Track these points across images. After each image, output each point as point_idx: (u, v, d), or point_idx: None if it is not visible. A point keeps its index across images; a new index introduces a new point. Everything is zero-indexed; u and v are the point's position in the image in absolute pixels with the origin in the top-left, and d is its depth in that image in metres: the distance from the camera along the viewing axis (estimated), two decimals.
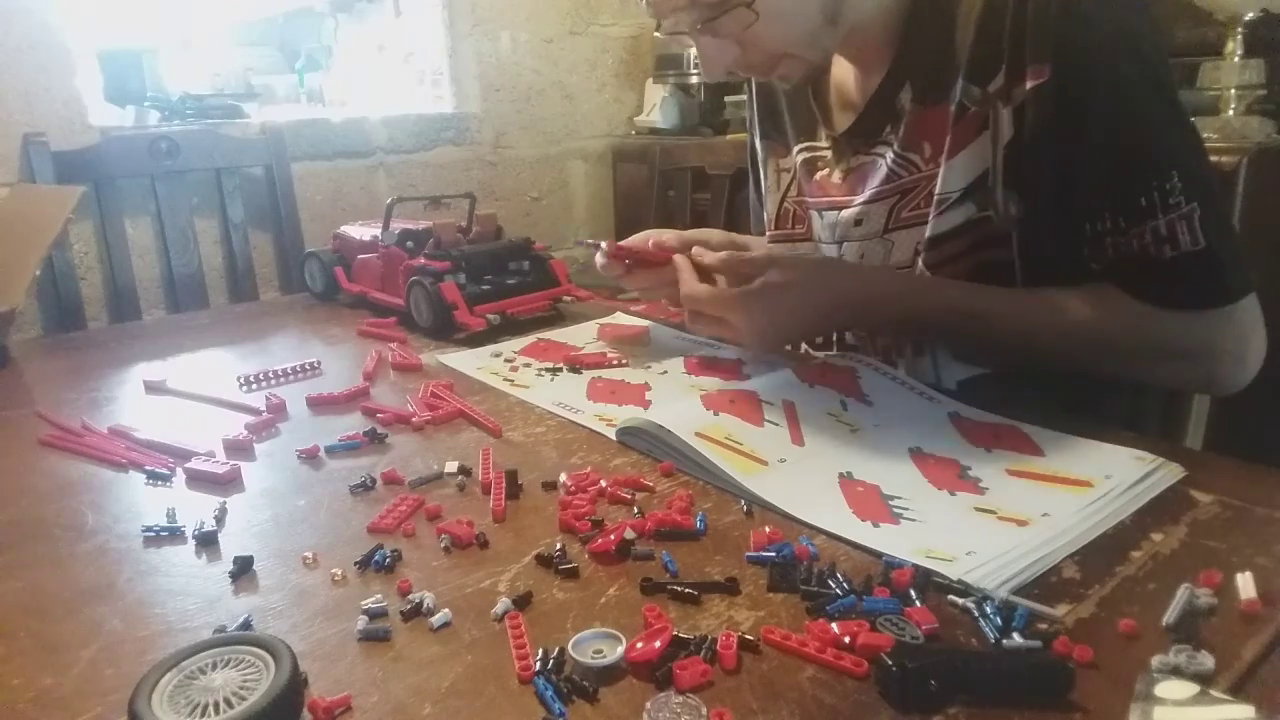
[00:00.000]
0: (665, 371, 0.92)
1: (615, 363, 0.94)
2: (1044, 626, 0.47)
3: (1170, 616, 0.47)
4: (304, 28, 2.96)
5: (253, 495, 0.68)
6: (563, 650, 0.46)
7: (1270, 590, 0.49)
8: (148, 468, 0.72)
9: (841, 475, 0.66)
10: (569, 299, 1.15)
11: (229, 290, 2.03)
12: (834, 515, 0.60)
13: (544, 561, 0.56)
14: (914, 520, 0.59)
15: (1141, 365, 0.80)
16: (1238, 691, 0.42)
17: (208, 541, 0.60)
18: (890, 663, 0.42)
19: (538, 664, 0.45)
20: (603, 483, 0.65)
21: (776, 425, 0.72)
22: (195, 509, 0.64)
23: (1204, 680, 0.42)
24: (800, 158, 1.01)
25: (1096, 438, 0.70)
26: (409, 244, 1.16)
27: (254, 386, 0.92)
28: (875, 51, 0.88)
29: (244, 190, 2.00)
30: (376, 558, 0.56)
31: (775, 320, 0.82)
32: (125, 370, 1.02)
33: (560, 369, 0.94)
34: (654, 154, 2.28)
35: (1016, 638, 0.46)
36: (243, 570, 0.56)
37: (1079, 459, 0.67)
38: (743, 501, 0.63)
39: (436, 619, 0.50)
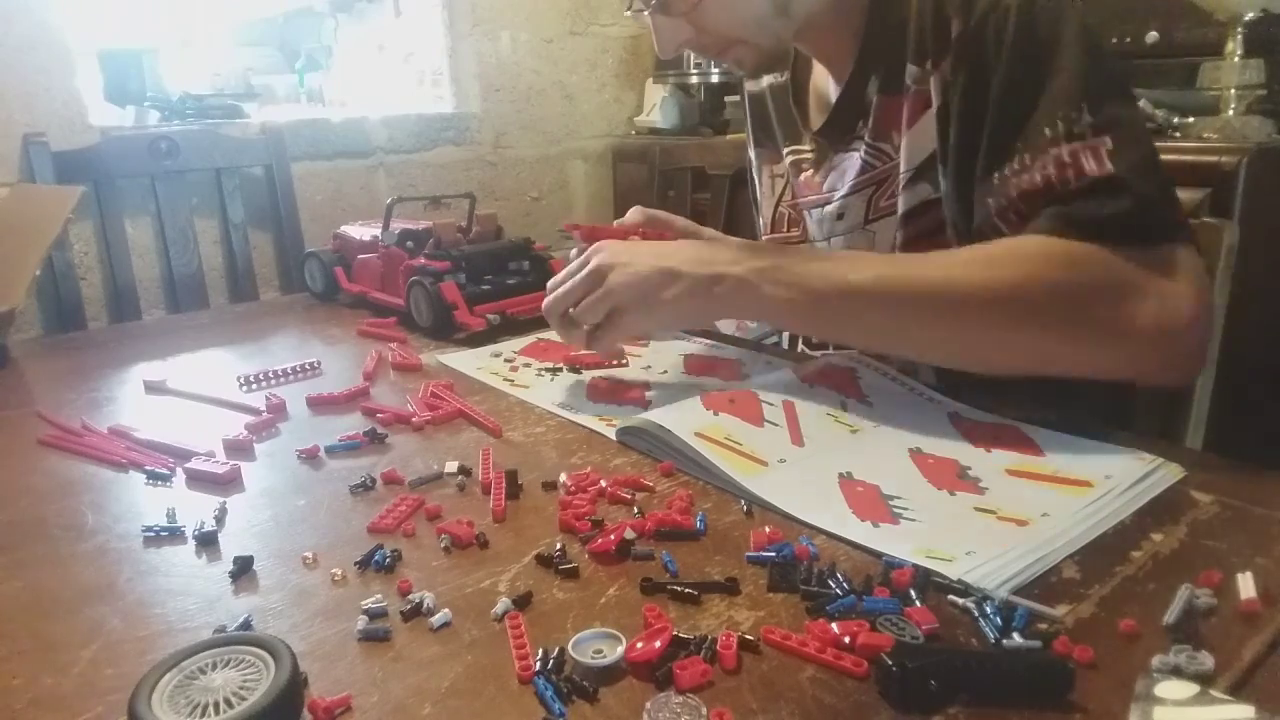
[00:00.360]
0: (665, 371, 0.92)
1: (615, 363, 0.94)
2: (1044, 626, 0.47)
3: (1170, 616, 0.47)
4: (304, 28, 2.96)
5: (253, 495, 0.68)
6: (563, 650, 0.46)
7: (1270, 590, 0.49)
8: (148, 468, 0.72)
9: (841, 475, 0.66)
10: None
11: (229, 290, 2.03)
12: (834, 515, 0.60)
13: (544, 561, 0.56)
14: (914, 520, 0.59)
15: (1065, 319, 0.70)
16: (1238, 691, 0.42)
17: (208, 541, 0.60)
18: (890, 663, 0.42)
19: (538, 664, 0.45)
20: (603, 483, 0.65)
21: (776, 425, 0.72)
22: (195, 509, 0.64)
23: (1204, 680, 0.42)
24: (788, 161, 1.03)
25: (1096, 438, 0.70)
26: (409, 244, 1.16)
27: (254, 386, 0.92)
28: (841, 49, 0.89)
29: (244, 190, 2.00)
30: (376, 558, 0.56)
31: (636, 260, 0.78)
32: (125, 370, 1.02)
33: (560, 369, 0.94)
34: (654, 154, 2.28)
35: (1016, 638, 0.46)
36: (243, 570, 0.56)
37: (1079, 459, 0.67)
38: (743, 501, 0.63)
39: (436, 619, 0.50)
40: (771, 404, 0.75)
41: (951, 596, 0.50)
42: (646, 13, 0.84)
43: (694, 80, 2.52)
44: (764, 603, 0.51)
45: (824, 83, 0.97)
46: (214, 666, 0.40)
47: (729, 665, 0.45)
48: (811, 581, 0.52)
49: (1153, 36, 1.68)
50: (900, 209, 0.86)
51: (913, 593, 0.50)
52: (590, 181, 2.68)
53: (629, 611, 0.50)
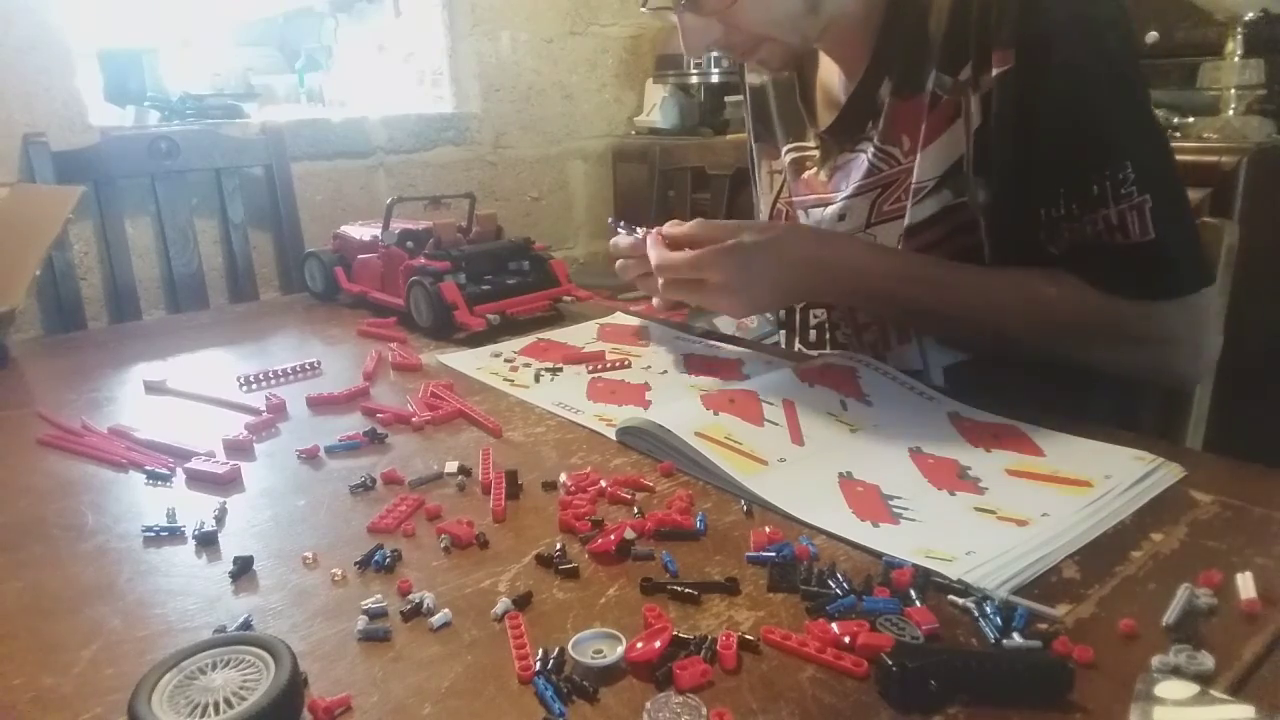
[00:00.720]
0: (665, 371, 0.92)
1: (615, 363, 0.94)
2: (1044, 626, 0.47)
3: (1170, 616, 0.47)
4: (304, 28, 2.96)
5: (253, 495, 0.68)
6: (563, 650, 0.46)
7: (1270, 590, 0.49)
8: (148, 468, 0.72)
9: (841, 475, 0.66)
10: (569, 299, 1.15)
11: (229, 290, 2.03)
12: (834, 515, 0.60)
13: (544, 561, 0.56)
14: (914, 520, 0.59)
15: (1099, 348, 0.81)
16: (1238, 691, 0.42)
17: (208, 541, 0.60)
18: (890, 663, 0.42)
19: (538, 664, 0.45)
20: (603, 483, 0.65)
21: (776, 425, 0.72)
22: (195, 509, 0.64)
23: (1204, 680, 0.42)
24: (789, 158, 1.02)
25: (1096, 438, 0.70)
26: (409, 244, 1.16)
27: (254, 386, 0.92)
28: (857, 48, 0.89)
29: (244, 190, 2.00)
30: (376, 558, 0.56)
31: (748, 277, 0.82)
32: (125, 370, 1.02)
33: (560, 369, 0.94)
34: (654, 154, 2.28)
35: (1016, 638, 0.46)
36: (243, 570, 0.56)
37: (1079, 459, 0.67)
38: (743, 501, 0.63)
39: (436, 619, 0.50)
40: (771, 404, 0.75)
41: (951, 596, 0.50)
42: (674, 12, 0.84)
43: (694, 80, 2.52)
44: (764, 603, 0.51)
45: (832, 80, 0.97)
46: (214, 666, 0.40)
47: (729, 665, 0.45)
48: (811, 581, 0.52)
49: (1153, 36, 1.68)
50: (914, 215, 0.85)
51: (913, 593, 0.50)
52: (590, 181, 2.68)
53: (629, 611, 0.50)
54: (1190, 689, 0.40)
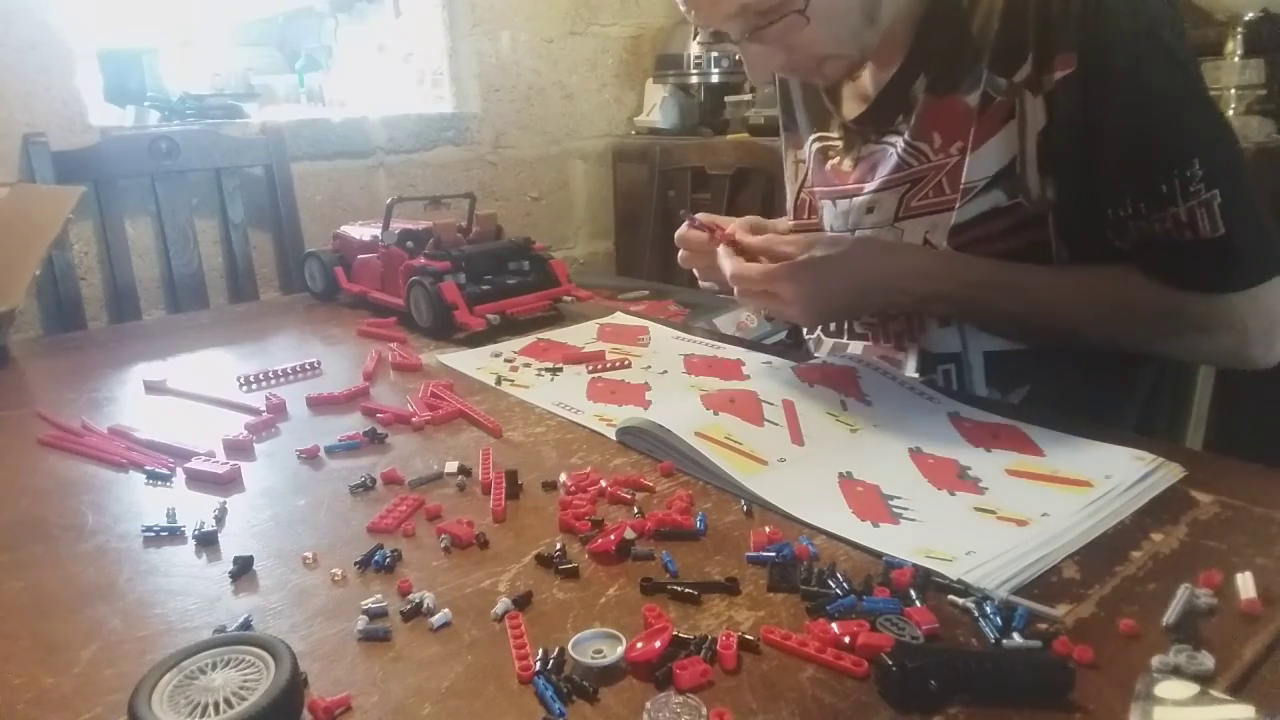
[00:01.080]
0: (665, 371, 0.92)
1: (615, 363, 0.94)
2: (1044, 626, 0.47)
3: (1170, 616, 0.47)
4: (304, 28, 2.96)
5: (253, 495, 0.68)
6: (563, 650, 0.46)
7: (1270, 590, 0.49)
8: (148, 468, 0.72)
9: (841, 475, 0.66)
10: (569, 299, 1.15)
11: (229, 290, 2.03)
12: (834, 515, 0.60)
13: (544, 561, 0.56)
14: (914, 520, 0.59)
15: (1168, 338, 0.81)
16: (1238, 691, 0.42)
17: (208, 541, 0.60)
18: (890, 663, 0.42)
19: (538, 664, 0.45)
20: (603, 483, 0.65)
21: (776, 425, 0.72)
22: (195, 509, 0.64)
23: (1204, 680, 0.42)
24: (814, 147, 1.02)
25: (1096, 437, 0.70)
26: (409, 244, 1.16)
27: (254, 386, 0.92)
28: (891, 43, 0.89)
29: (244, 190, 2.00)
30: (376, 558, 0.56)
31: (821, 291, 0.84)
32: (125, 370, 1.02)
33: (560, 369, 0.94)
34: (654, 154, 2.28)
35: (1016, 638, 0.46)
36: (243, 570, 0.56)
37: (1079, 459, 0.67)
38: (743, 501, 0.63)
39: (436, 619, 0.50)
40: (771, 404, 0.75)
41: (951, 596, 0.50)
42: (736, 44, 0.84)
43: (694, 80, 2.52)
44: (764, 603, 0.51)
45: (860, 71, 0.96)
46: (214, 666, 0.40)
47: (729, 665, 0.45)
48: (811, 581, 0.52)
49: None
50: (962, 215, 0.85)
51: (913, 593, 0.50)
52: (590, 181, 2.68)
53: (629, 611, 0.50)
54: (1190, 689, 0.40)
